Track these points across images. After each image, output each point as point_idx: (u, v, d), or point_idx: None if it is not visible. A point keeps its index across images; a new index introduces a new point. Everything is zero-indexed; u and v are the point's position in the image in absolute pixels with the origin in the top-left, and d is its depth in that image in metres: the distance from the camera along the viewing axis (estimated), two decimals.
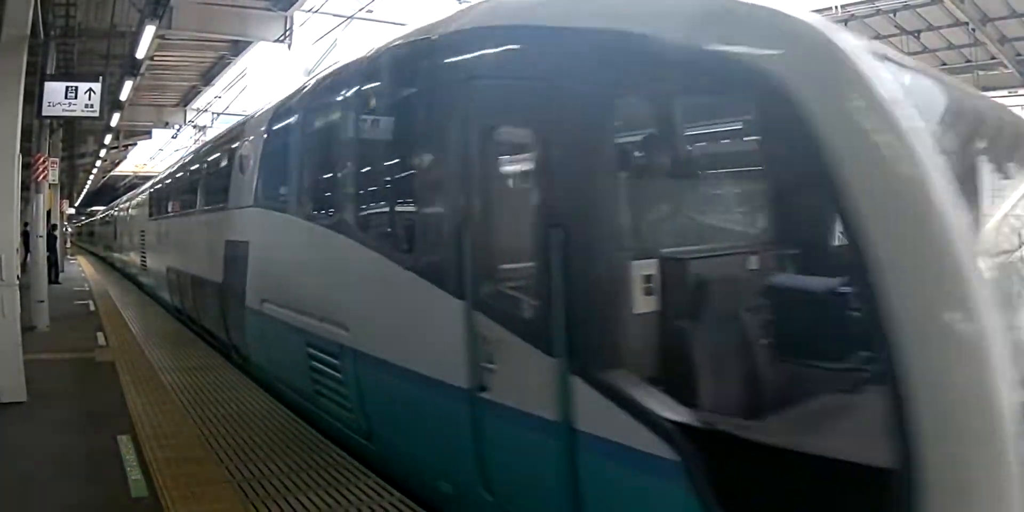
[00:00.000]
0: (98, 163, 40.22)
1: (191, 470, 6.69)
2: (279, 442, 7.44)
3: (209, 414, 8.58)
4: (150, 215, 21.43)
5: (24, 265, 19.41)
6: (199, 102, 31.67)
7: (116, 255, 35.39)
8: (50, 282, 24.99)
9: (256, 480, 6.40)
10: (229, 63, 24.91)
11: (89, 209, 77.10)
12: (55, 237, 29.82)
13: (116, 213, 37.11)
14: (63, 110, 15.33)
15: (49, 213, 22.26)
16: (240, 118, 14.35)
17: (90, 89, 15.19)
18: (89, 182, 55.05)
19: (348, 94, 7.53)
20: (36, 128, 17.85)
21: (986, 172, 4.44)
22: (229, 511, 5.75)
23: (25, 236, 19.43)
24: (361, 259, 6.62)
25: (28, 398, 9.43)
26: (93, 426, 8.28)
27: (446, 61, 5.71)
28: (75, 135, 33.10)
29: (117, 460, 7.04)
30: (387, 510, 5.70)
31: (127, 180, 58.19)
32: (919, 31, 23.42)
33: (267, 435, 7.70)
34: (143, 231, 22.85)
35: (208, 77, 27.33)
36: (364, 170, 7.24)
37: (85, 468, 6.88)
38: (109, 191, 65.85)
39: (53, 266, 28.06)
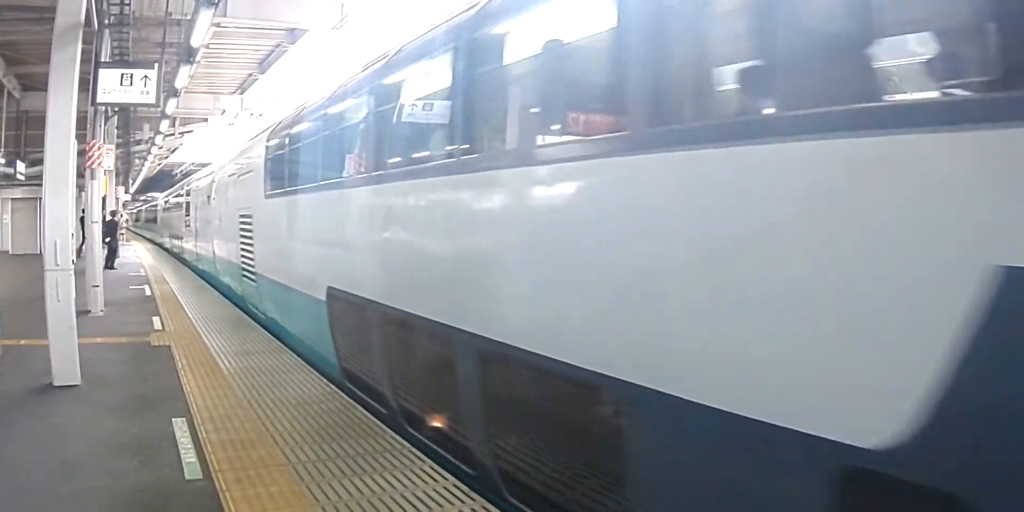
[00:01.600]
0: (154, 150, 40.56)
1: (246, 453, 6.69)
2: (335, 426, 7.43)
3: (266, 398, 8.59)
4: (269, 189, 13.07)
5: (80, 251, 19.66)
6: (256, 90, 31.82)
7: (189, 248, 28.12)
8: (106, 267, 25.41)
9: (311, 463, 6.39)
10: (285, 51, 24.93)
11: (146, 195, 77.73)
12: (115, 224, 30.19)
13: (190, 193, 28.03)
14: (118, 97, 15.37)
15: (104, 199, 22.41)
16: None
17: (145, 76, 15.20)
18: (145, 169, 55.65)
19: None
20: (91, 115, 17.97)
21: None
22: (284, 494, 5.72)
23: (81, 222, 19.65)
24: None
25: (82, 382, 9.48)
26: (148, 409, 8.31)
27: None
28: (130, 122, 33.41)
29: (172, 443, 7.06)
30: (441, 494, 5.65)
31: (183, 167, 58.71)
32: None
33: (323, 419, 7.69)
34: (247, 218, 14.92)
35: (264, 65, 27.40)
36: None
37: (139, 450, 6.88)
38: (166, 178, 66.58)
39: (113, 252, 28.53)
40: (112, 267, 27.64)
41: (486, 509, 5.36)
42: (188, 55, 16.73)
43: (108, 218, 27.30)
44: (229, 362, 10.52)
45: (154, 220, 55.45)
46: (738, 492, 3.64)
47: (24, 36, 18.99)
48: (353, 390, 8.87)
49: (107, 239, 27.27)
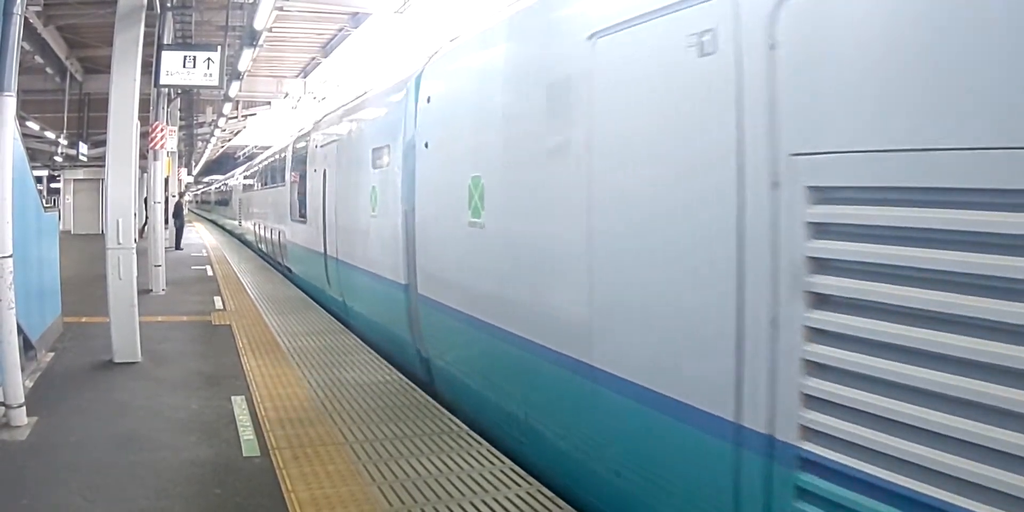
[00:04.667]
0: (217, 133, 40.93)
1: (304, 431, 6.70)
2: (393, 407, 7.41)
3: (325, 377, 8.61)
4: None
5: (142, 230, 19.89)
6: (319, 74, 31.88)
7: (303, 252, 15.93)
8: (175, 248, 25.71)
9: (368, 443, 6.38)
10: (348, 35, 24.95)
11: (209, 176, 78.34)
12: (181, 206, 30.56)
13: (309, 153, 15.39)
14: (181, 79, 15.40)
15: (167, 181, 22.64)
16: None
17: (208, 58, 15.24)
18: (207, 151, 56.20)
19: None
20: (154, 97, 18.13)
21: None
22: (340, 472, 5.71)
23: (144, 203, 19.88)
24: None
25: (143, 359, 9.57)
26: (207, 387, 8.38)
27: None
28: (193, 105, 33.75)
29: (230, 420, 7.10)
30: (497, 477, 5.60)
31: (246, 149, 59.22)
32: None
33: (382, 400, 7.68)
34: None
35: (327, 49, 27.46)
36: None
37: (198, 427, 6.94)
38: (228, 160, 67.27)
39: (180, 233, 28.93)
40: (179, 248, 27.98)
41: (541, 493, 5.31)
42: (251, 38, 16.80)
43: (176, 199, 27.66)
44: (289, 342, 10.57)
45: (225, 202, 42.89)
46: None
47: (86, 20, 19.22)
48: None
49: (174, 220, 27.64)
